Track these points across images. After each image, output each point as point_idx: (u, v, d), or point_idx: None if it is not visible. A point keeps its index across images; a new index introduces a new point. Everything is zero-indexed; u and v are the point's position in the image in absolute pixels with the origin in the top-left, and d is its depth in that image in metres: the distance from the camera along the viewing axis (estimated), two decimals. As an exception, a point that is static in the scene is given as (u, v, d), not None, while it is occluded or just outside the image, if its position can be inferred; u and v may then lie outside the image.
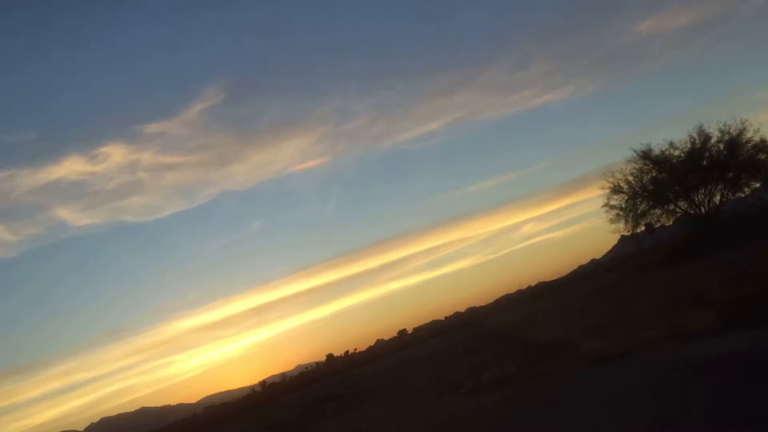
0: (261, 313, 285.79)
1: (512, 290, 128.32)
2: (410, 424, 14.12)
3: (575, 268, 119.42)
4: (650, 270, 34.89)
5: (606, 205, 37.53)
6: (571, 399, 10.34)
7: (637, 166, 36.63)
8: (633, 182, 36.89)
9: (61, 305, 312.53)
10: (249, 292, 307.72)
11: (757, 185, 36.12)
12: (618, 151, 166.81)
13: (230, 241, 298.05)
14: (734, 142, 34.02)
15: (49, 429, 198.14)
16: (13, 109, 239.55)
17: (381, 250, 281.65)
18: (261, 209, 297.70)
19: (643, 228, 38.75)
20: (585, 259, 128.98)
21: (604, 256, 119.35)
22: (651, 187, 36.37)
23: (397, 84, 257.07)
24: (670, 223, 40.35)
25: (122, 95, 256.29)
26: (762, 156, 33.92)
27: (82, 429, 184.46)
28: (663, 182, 36.10)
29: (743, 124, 33.89)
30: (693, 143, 35.13)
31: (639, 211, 37.03)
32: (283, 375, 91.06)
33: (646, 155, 36.27)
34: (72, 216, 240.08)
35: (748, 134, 33.78)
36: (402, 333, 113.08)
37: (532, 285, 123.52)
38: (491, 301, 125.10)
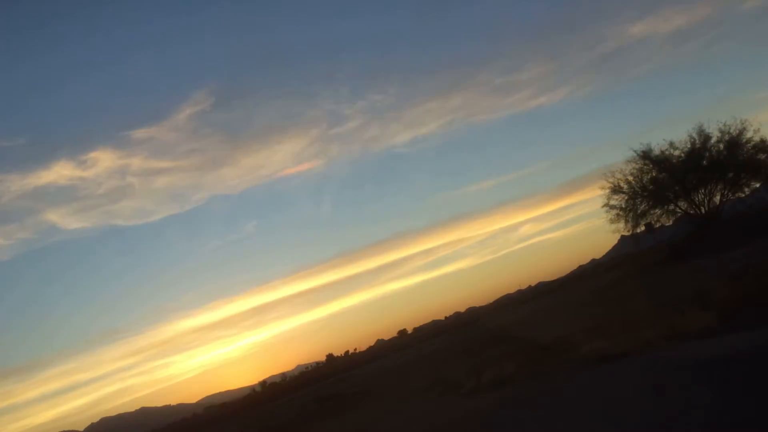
0: (260, 313, 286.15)
1: (512, 290, 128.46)
2: (410, 424, 14.13)
3: (575, 268, 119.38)
4: (650, 270, 34.90)
5: (606, 205, 37.54)
6: (572, 399, 10.34)
7: (637, 166, 36.63)
8: (633, 182, 36.88)
9: (57, 307, 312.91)
10: (248, 292, 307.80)
11: (757, 185, 36.12)
12: (615, 152, 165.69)
13: (226, 243, 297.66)
14: (734, 142, 34.01)
15: (49, 429, 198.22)
16: (1, 114, 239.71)
17: (379, 251, 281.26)
18: (255, 212, 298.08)
19: (643, 228, 38.73)
20: (585, 259, 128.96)
21: (604, 256, 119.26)
22: (651, 187, 36.37)
23: (389, 86, 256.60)
24: (670, 223, 40.33)
25: (110, 101, 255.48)
26: (762, 156, 33.90)
27: (82, 429, 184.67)
28: (663, 182, 36.09)
29: (743, 124, 33.90)
30: (693, 143, 35.13)
31: (639, 211, 37.03)
32: (283, 375, 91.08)
33: (646, 155, 36.27)
34: (63, 220, 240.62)
35: (748, 134, 33.79)
36: (402, 333, 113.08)
37: (533, 285, 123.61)
38: (491, 301, 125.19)
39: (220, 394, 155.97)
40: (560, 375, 12.83)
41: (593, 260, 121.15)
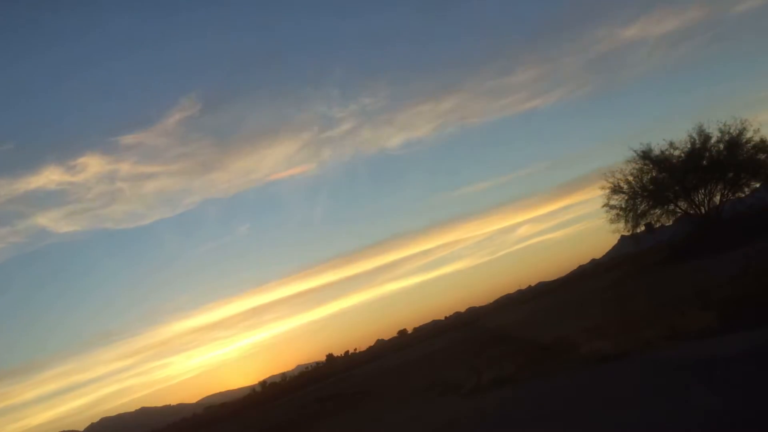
0: (259, 314, 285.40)
1: (512, 290, 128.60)
2: (410, 424, 14.13)
3: (575, 268, 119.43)
4: (650, 270, 34.92)
5: (606, 205, 37.58)
6: (572, 399, 10.34)
7: (637, 166, 36.65)
8: (633, 182, 36.90)
9: (52, 310, 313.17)
10: (246, 294, 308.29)
11: (757, 185, 36.12)
12: (610, 154, 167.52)
13: (220, 245, 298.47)
14: (734, 142, 34.00)
15: (49, 429, 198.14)
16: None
17: (377, 252, 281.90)
18: (248, 215, 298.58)
19: (643, 228, 38.74)
20: (585, 259, 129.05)
21: (604, 256, 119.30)
22: (651, 187, 36.38)
23: (380, 89, 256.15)
24: (670, 223, 40.35)
25: (97, 107, 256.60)
26: (762, 156, 33.90)
27: (82, 429, 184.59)
28: (663, 182, 36.09)
29: (743, 124, 33.91)
30: (693, 143, 35.13)
31: (639, 211, 37.04)
32: (284, 375, 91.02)
33: (646, 155, 36.28)
34: (54, 223, 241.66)
35: (748, 134, 33.80)
36: (402, 333, 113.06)
37: (533, 285, 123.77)
38: (491, 301, 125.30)
39: (220, 394, 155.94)
40: (560, 375, 12.83)
41: (593, 260, 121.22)
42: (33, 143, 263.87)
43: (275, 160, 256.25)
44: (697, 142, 34.97)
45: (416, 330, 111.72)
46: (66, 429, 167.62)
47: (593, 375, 11.71)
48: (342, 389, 31.92)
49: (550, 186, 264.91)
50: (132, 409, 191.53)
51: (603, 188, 37.47)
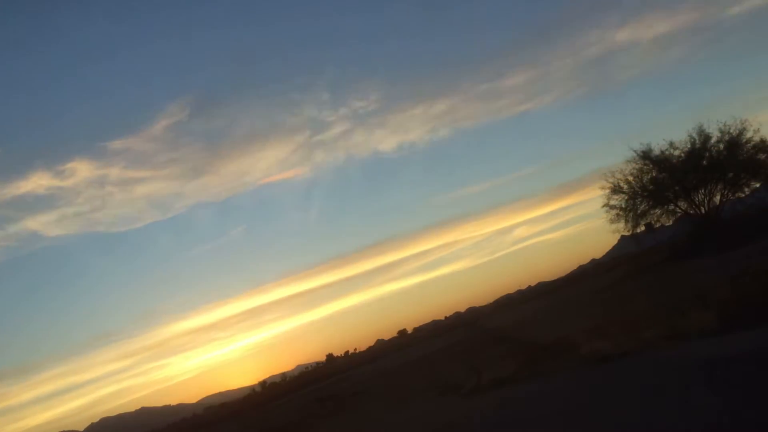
0: (258, 314, 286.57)
1: (512, 290, 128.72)
2: (410, 424, 14.13)
3: (575, 268, 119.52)
4: (650, 270, 34.91)
5: (606, 205, 37.55)
6: (572, 399, 10.34)
7: (637, 166, 36.62)
8: (633, 182, 36.88)
9: (47, 312, 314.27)
10: (243, 295, 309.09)
11: (757, 185, 36.09)
12: (605, 154, 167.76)
13: (215, 248, 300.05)
14: (734, 142, 33.98)
15: (49, 429, 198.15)
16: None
17: (375, 253, 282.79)
18: (241, 218, 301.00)
19: (643, 228, 38.75)
20: (585, 259, 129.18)
21: (604, 256, 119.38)
22: (651, 187, 36.35)
23: (371, 93, 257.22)
24: (670, 223, 40.33)
25: (85, 112, 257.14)
26: (762, 156, 33.87)
27: (82, 429, 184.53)
28: (663, 182, 36.07)
29: (743, 124, 33.87)
30: (693, 143, 35.10)
31: (639, 211, 37.02)
32: (284, 375, 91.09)
33: (646, 155, 36.26)
34: (44, 227, 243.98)
35: (748, 134, 33.76)
36: (402, 333, 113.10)
37: (533, 285, 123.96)
38: (491, 301, 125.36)
39: (220, 394, 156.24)
40: (560, 375, 12.83)
41: (593, 260, 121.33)
42: (20, 148, 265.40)
43: (267, 164, 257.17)
44: (697, 142, 34.95)
45: (416, 330, 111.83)
46: (66, 429, 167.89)
47: (593, 375, 11.71)
48: (342, 389, 31.92)
49: (545, 187, 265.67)
50: (132, 409, 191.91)
51: (603, 188, 37.47)
